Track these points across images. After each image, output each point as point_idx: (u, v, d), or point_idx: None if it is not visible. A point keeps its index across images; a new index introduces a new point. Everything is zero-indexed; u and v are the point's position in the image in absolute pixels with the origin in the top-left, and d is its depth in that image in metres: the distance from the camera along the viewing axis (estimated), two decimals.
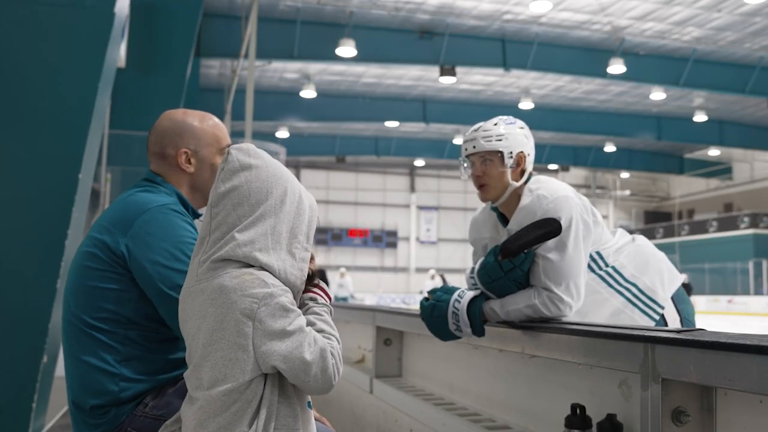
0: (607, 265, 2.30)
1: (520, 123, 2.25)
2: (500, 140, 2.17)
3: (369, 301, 24.51)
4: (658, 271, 2.34)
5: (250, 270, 1.39)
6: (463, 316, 2.14)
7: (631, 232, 2.51)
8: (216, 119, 1.92)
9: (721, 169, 31.67)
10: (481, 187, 2.22)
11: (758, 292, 25.38)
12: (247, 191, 1.42)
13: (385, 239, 33.50)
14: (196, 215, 1.88)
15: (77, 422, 1.73)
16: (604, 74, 17.01)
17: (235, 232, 1.40)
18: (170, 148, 1.84)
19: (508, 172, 2.18)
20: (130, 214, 1.72)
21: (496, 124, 2.21)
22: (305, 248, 1.48)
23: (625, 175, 34.83)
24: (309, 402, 1.51)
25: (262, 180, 1.44)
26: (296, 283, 1.45)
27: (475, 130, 2.22)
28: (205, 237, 1.45)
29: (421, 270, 33.04)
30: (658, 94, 19.55)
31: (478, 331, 2.16)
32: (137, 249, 1.67)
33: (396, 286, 32.26)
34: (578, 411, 1.78)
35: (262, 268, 1.39)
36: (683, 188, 35.05)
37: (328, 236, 32.22)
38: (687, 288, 21.02)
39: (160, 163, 1.87)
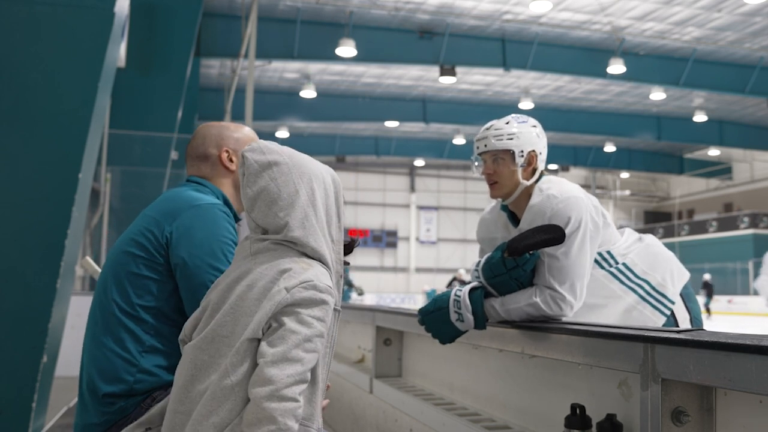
0: (617, 263, 2.31)
1: (532, 121, 2.25)
2: (511, 139, 2.17)
3: (369, 301, 24.50)
4: (667, 268, 2.36)
5: (307, 260, 1.45)
6: (465, 300, 2.13)
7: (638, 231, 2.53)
8: (249, 128, 2.06)
9: (721, 169, 31.67)
10: (491, 185, 2.22)
11: (758, 292, 25.36)
12: (276, 189, 1.48)
13: (385, 239, 33.50)
14: (237, 218, 1.97)
15: (86, 408, 1.76)
16: (604, 74, 17.00)
17: (286, 233, 1.46)
18: (213, 147, 1.96)
19: (519, 171, 2.18)
20: (179, 206, 1.81)
21: (508, 123, 2.21)
22: (339, 227, 1.55)
23: (625, 175, 34.84)
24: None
25: (286, 174, 1.49)
26: (338, 269, 1.53)
27: (487, 129, 2.22)
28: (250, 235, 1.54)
29: (421, 270, 33.05)
30: (658, 94, 19.55)
31: (480, 320, 2.14)
32: (180, 239, 1.75)
33: (396, 286, 32.26)
34: (578, 411, 1.78)
35: (316, 257, 1.46)
36: (683, 188, 35.06)
37: None
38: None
39: (202, 166, 1.97)
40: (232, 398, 1.37)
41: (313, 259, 1.46)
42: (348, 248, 1.60)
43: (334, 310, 1.51)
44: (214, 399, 1.37)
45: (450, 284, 17.07)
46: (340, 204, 1.57)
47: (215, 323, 1.43)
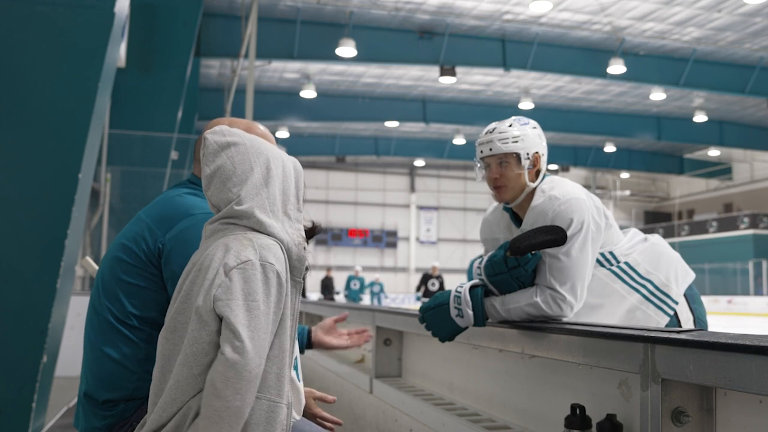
0: (618, 262, 2.31)
1: (533, 123, 2.25)
2: (516, 142, 2.17)
3: (368, 300, 24.48)
4: (671, 268, 2.36)
5: (250, 235, 1.46)
6: (466, 296, 2.13)
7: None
8: (262, 127, 1.91)
9: (721, 170, 31.67)
10: (498, 188, 2.22)
11: (758, 292, 25.39)
12: (231, 167, 1.51)
13: (385, 239, 33.49)
14: None
15: (86, 413, 1.75)
16: (604, 74, 17.01)
17: (233, 206, 1.48)
18: None
19: (525, 173, 2.18)
20: (174, 215, 1.75)
21: (511, 125, 2.21)
22: (298, 209, 1.57)
23: (625, 175, 34.84)
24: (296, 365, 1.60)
25: (243, 154, 1.52)
26: (297, 241, 1.53)
27: (491, 132, 2.21)
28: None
29: (421, 270, 33.03)
30: (658, 94, 19.55)
31: (479, 315, 2.13)
32: (173, 252, 1.70)
33: (396, 286, 32.24)
34: (578, 411, 1.78)
35: (263, 230, 1.47)
36: (683, 188, 35.06)
37: (328, 236, 32.20)
38: None
39: None
40: (196, 387, 1.37)
41: (260, 232, 1.47)
42: (310, 232, 1.62)
43: (294, 280, 1.51)
44: (178, 387, 1.37)
45: (422, 284, 16.78)
46: (300, 187, 1.60)
47: (174, 311, 1.45)
